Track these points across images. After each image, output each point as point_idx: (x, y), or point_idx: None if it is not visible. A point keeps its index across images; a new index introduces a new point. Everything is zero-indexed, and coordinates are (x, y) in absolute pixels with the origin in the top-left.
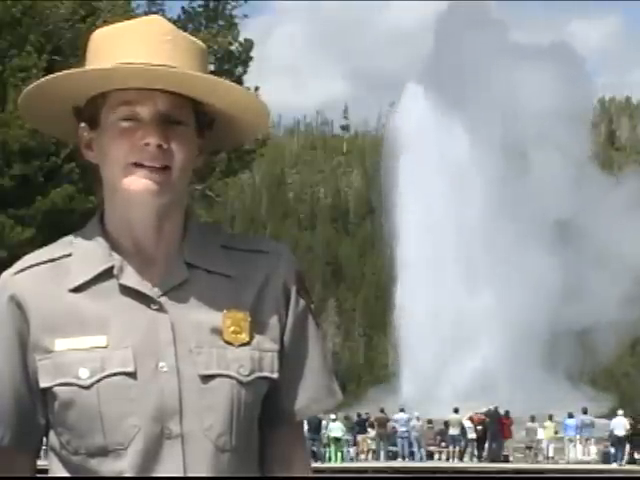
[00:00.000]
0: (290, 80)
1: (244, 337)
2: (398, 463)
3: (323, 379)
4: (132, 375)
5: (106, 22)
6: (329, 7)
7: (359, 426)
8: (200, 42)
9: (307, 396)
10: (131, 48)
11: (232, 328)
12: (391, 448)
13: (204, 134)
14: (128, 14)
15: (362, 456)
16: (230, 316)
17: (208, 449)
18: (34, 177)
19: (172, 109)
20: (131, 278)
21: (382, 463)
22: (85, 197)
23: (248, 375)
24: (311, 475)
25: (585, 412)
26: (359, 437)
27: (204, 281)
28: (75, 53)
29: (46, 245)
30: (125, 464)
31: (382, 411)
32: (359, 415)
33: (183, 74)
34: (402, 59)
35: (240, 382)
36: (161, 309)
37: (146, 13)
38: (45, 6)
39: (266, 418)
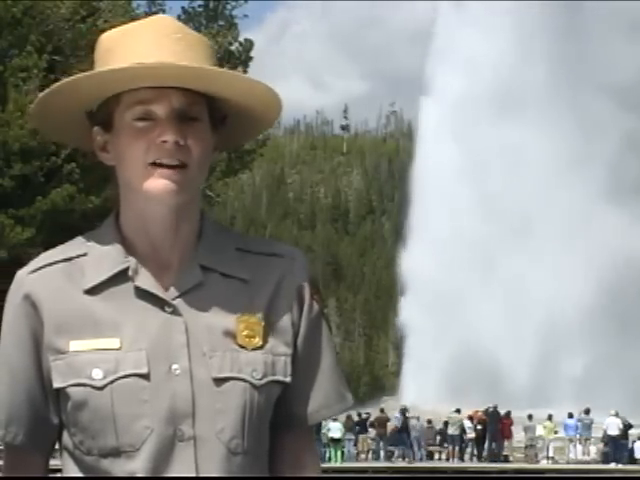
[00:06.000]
0: (295, 79)
1: (257, 341)
2: (398, 463)
3: (334, 384)
4: (145, 377)
5: (106, 22)
6: (338, 6)
7: (359, 426)
8: (207, 39)
9: (318, 401)
10: (142, 48)
11: (246, 332)
12: (391, 448)
13: (218, 130)
14: (128, 14)
15: (362, 456)
16: (244, 320)
17: (220, 452)
18: (34, 177)
19: (187, 105)
20: (146, 280)
21: (382, 463)
22: (85, 197)
23: (261, 379)
24: (313, 476)
25: (587, 412)
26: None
27: (219, 284)
28: (75, 53)
29: (46, 245)
30: (137, 465)
31: (382, 411)
32: (359, 415)
33: (197, 69)
34: (406, 59)
35: (253, 385)
36: (175, 312)
37: (146, 13)
38: (45, 6)
39: (277, 421)
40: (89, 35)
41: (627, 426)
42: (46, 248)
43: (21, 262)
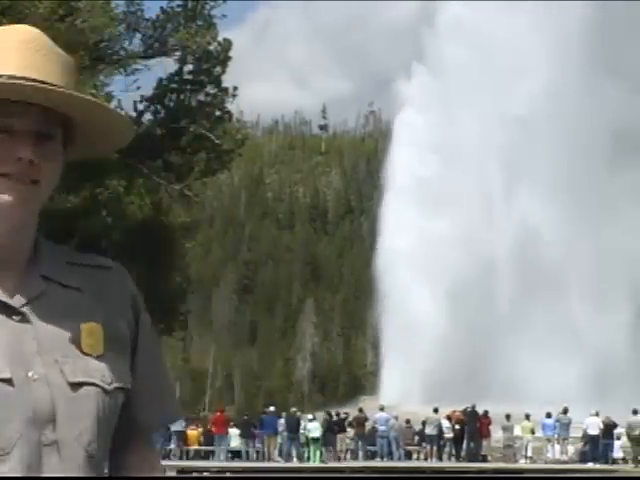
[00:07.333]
0: (274, 78)
1: (100, 349)
2: (376, 463)
3: (169, 391)
4: (9, 382)
5: (85, 22)
6: (319, 6)
7: (337, 425)
8: (66, 55)
9: (156, 407)
10: (10, 61)
11: (88, 340)
12: (369, 448)
13: (67, 147)
14: (107, 14)
15: (341, 455)
16: (85, 328)
17: (80, 456)
18: None
19: (46, 124)
20: None
21: (360, 463)
22: (66, 197)
23: (110, 384)
24: (275, 476)
25: (565, 412)
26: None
27: (60, 294)
28: None
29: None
30: (6, 469)
31: (360, 411)
32: (338, 414)
33: (69, 95)
34: (385, 59)
35: (105, 391)
36: (24, 320)
37: (125, 13)
38: (24, 5)
39: (119, 427)
40: (67, 35)
41: (611, 426)
42: None
43: None
